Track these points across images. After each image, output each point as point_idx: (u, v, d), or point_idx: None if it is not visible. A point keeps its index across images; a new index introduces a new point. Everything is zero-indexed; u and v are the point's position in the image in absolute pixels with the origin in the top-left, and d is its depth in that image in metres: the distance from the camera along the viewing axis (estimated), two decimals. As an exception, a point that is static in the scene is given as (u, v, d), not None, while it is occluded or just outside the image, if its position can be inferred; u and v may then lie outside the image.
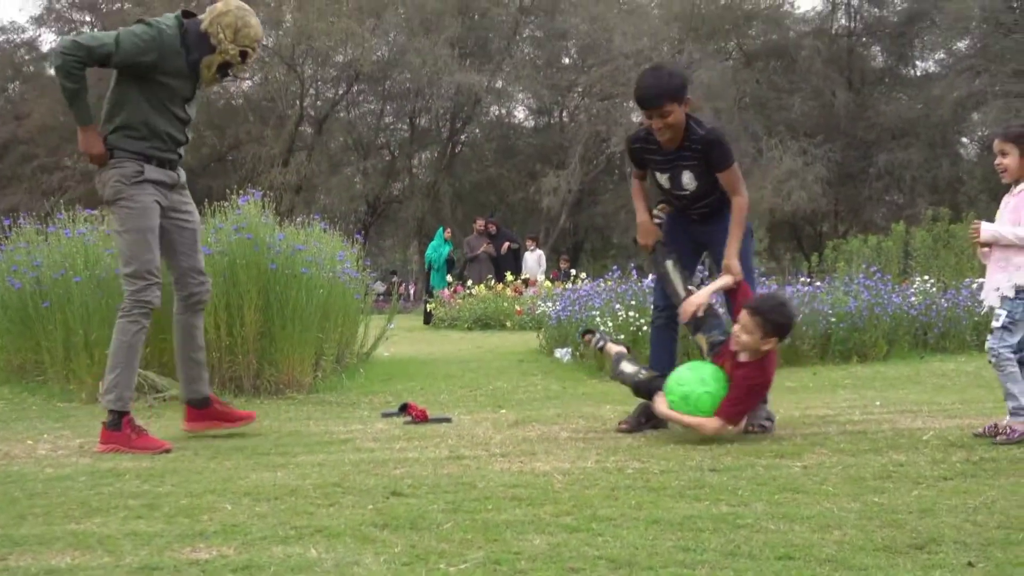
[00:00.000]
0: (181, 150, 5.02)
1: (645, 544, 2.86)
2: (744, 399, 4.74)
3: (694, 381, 4.74)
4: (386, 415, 5.88)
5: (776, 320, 4.68)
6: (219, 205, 7.32)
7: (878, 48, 33.99)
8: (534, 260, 19.69)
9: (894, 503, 3.33)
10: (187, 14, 4.89)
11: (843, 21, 33.49)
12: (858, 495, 3.45)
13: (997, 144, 4.72)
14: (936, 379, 7.79)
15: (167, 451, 4.65)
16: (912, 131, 29.93)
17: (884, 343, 9.38)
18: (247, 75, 5.32)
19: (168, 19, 4.82)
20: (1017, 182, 4.66)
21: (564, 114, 35.84)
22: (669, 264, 5.20)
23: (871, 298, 9.47)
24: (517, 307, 14.33)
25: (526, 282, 17.15)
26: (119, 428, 4.70)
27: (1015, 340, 4.54)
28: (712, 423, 4.67)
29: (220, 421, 5.20)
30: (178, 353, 5.15)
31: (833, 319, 9.06)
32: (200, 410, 5.16)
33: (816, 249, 24.63)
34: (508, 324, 14.04)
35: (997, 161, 4.70)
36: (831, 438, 4.71)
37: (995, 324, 4.57)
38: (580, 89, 33.85)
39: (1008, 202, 4.71)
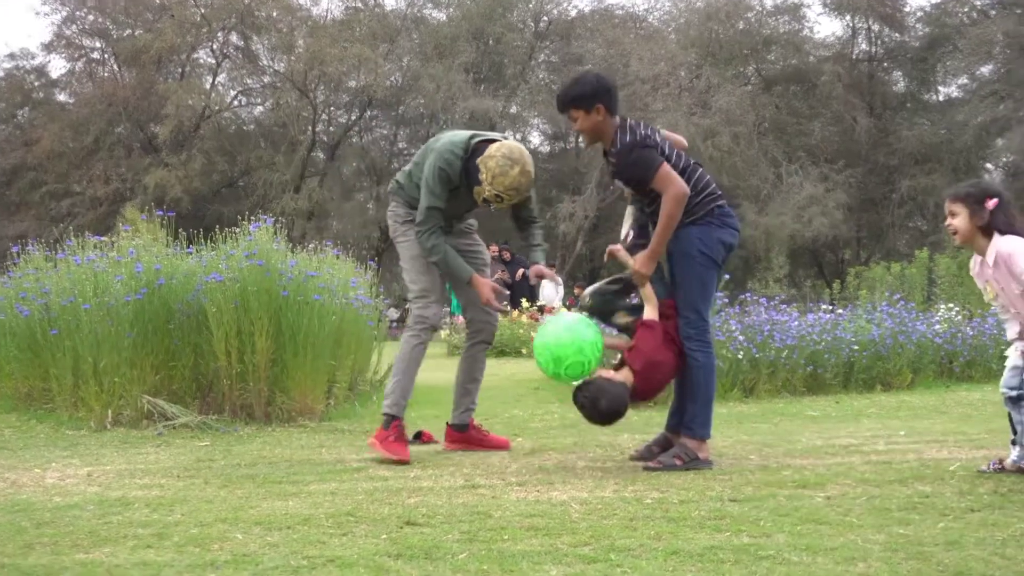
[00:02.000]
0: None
1: (664, 576, 2.77)
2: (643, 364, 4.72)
3: (571, 349, 4.73)
4: (400, 443, 5.80)
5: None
6: (230, 231, 7.27)
7: (899, 73, 33.88)
8: (551, 287, 19.58)
9: (920, 535, 3.24)
10: (484, 141, 5.23)
11: (863, 46, 33.39)
12: (883, 526, 3.37)
13: None
14: (962, 408, 7.70)
15: (405, 462, 5.01)
16: (935, 157, 29.80)
17: (908, 372, 9.28)
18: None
19: (458, 146, 5.20)
20: None
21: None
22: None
23: (895, 326, 9.36)
24: (533, 334, 14.23)
25: (542, 309, 17.05)
26: (387, 428, 5.21)
27: None
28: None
29: (475, 445, 5.65)
30: (457, 379, 5.75)
31: (856, 347, 8.95)
32: (459, 433, 5.69)
33: (838, 276, 24.53)
34: (524, 351, 13.94)
35: None
36: (855, 468, 4.62)
37: None
38: (597, 114, 33.83)
39: None
